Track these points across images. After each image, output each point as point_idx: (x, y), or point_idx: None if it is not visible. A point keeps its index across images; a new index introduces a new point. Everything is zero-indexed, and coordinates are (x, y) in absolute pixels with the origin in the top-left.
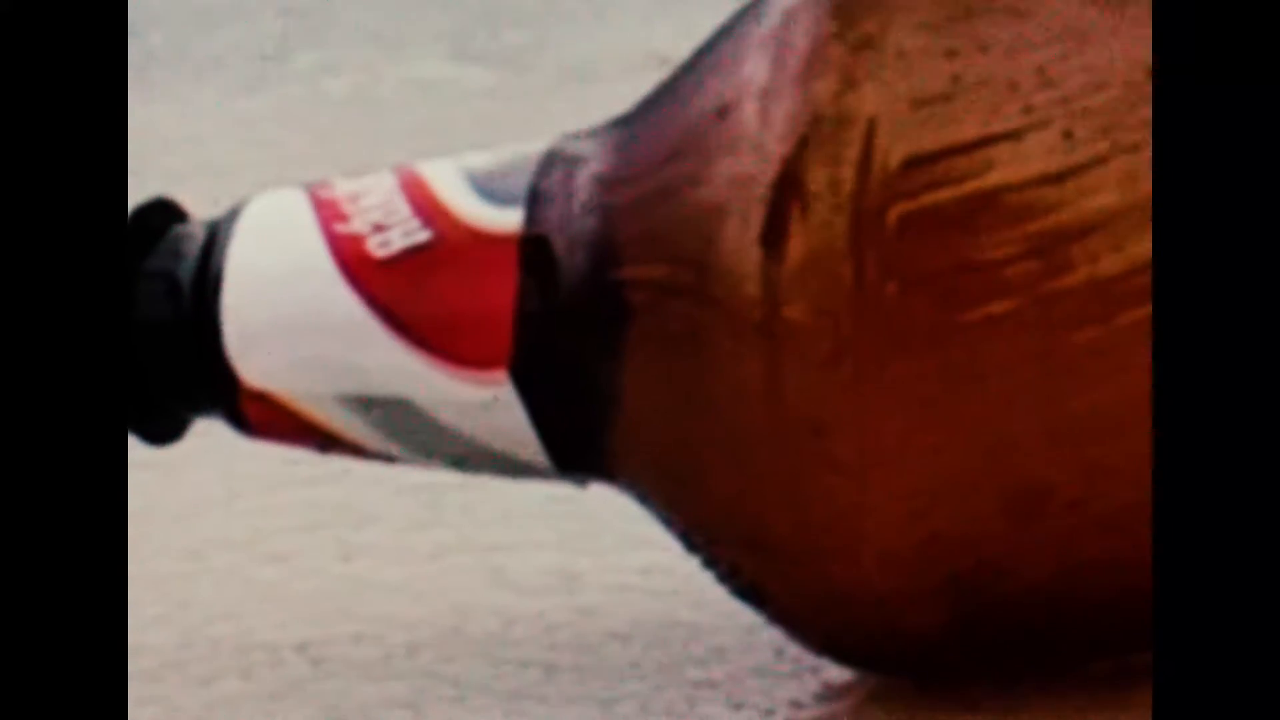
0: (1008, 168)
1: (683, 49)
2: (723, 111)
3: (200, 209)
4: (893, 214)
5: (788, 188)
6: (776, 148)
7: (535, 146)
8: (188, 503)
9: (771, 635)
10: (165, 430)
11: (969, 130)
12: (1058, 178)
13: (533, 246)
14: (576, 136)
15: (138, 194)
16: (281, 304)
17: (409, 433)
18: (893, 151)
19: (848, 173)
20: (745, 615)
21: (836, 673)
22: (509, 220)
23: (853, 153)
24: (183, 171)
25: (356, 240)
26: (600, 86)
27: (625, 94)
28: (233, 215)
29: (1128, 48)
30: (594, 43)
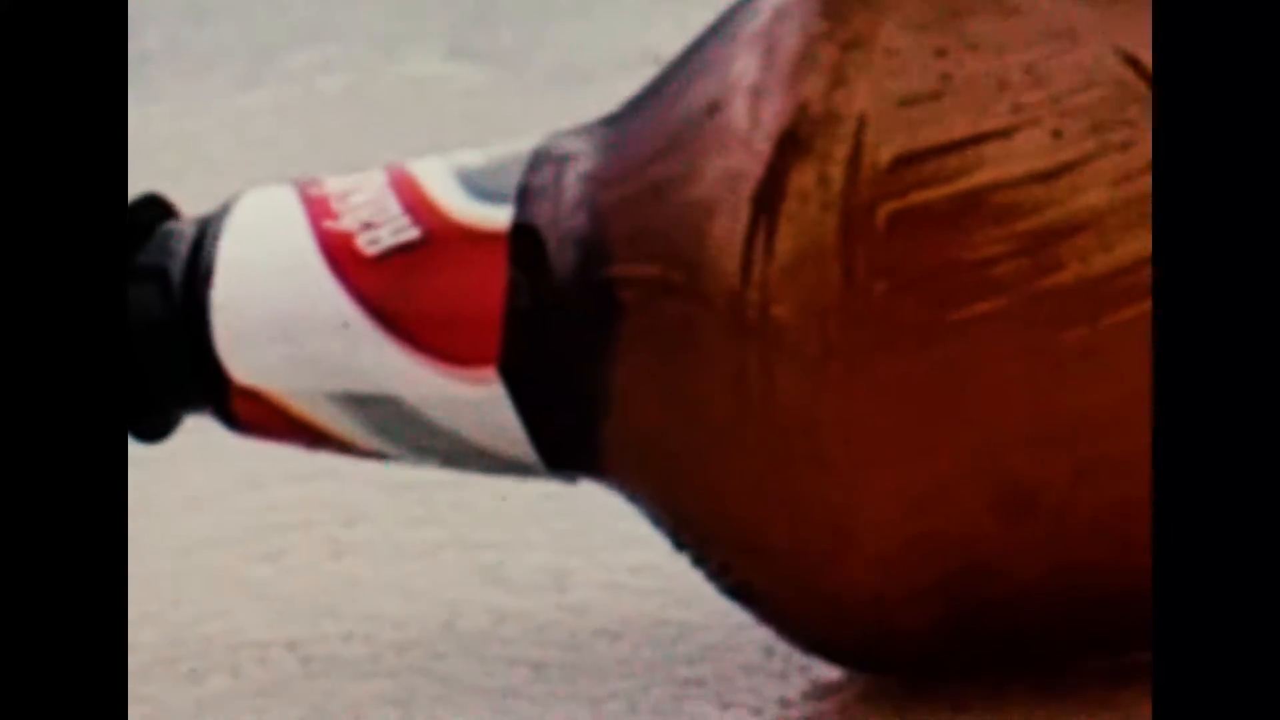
0: (997, 166)
1: (675, 46)
2: (713, 109)
3: (195, 206)
4: (882, 212)
5: (777, 186)
6: (766, 146)
7: (525, 144)
8: (178, 500)
9: (761, 634)
10: (156, 427)
11: (958, 129)
12: (1047, 176)
13: (522, 243)
14: (566, 134)
15: (132, 190)
16: (271, 301)
17: (399, 430)
18: (882, 150)
19: (837, 171)
20: (735, 614)
21: (825, 672)
22: (499, 218)
23: (842, 151)
24: (177, 169)
25: (346, 237)
26: (595, 85)
27: (620, 92)
28: (222, 212)
29: (1117, 45)
30: (588, 41)
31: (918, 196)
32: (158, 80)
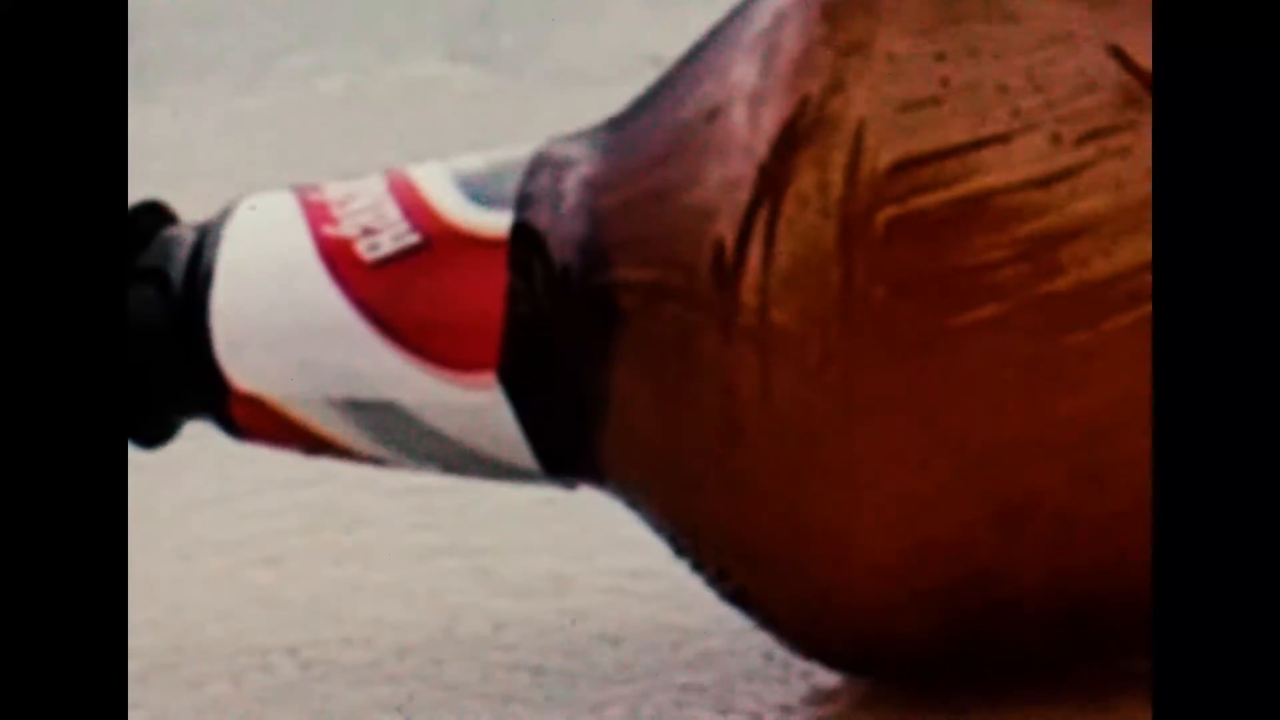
0: (996, 171)
1: (676, 50)
2: (713, 115)
3: (194, 208)
4: (881, 218)
5: (776, 191)
6: (765, 151)
7: (525, 149)
8: (178, 505)
9: (761, 640)
10: (156, 433)
11: (957, 134)
12: (1046, 181)
13: (522, 249)
14: (566, 139)
15: (132, 195)
16: (271, 307)
17: (398, 436)
18: (881, 155)
19: (836, 176)
20: (734, 619)
21: (826, 677)
22: (499, 223)
23: (841, 156)
24: (177, 171)
25: (345, 243)
26: (594, 88)
27: (620, 95)
28: (222, 218)
29: (1116, 50)
30: (589, 44)
31: (917, 202)
32: (158, 83)
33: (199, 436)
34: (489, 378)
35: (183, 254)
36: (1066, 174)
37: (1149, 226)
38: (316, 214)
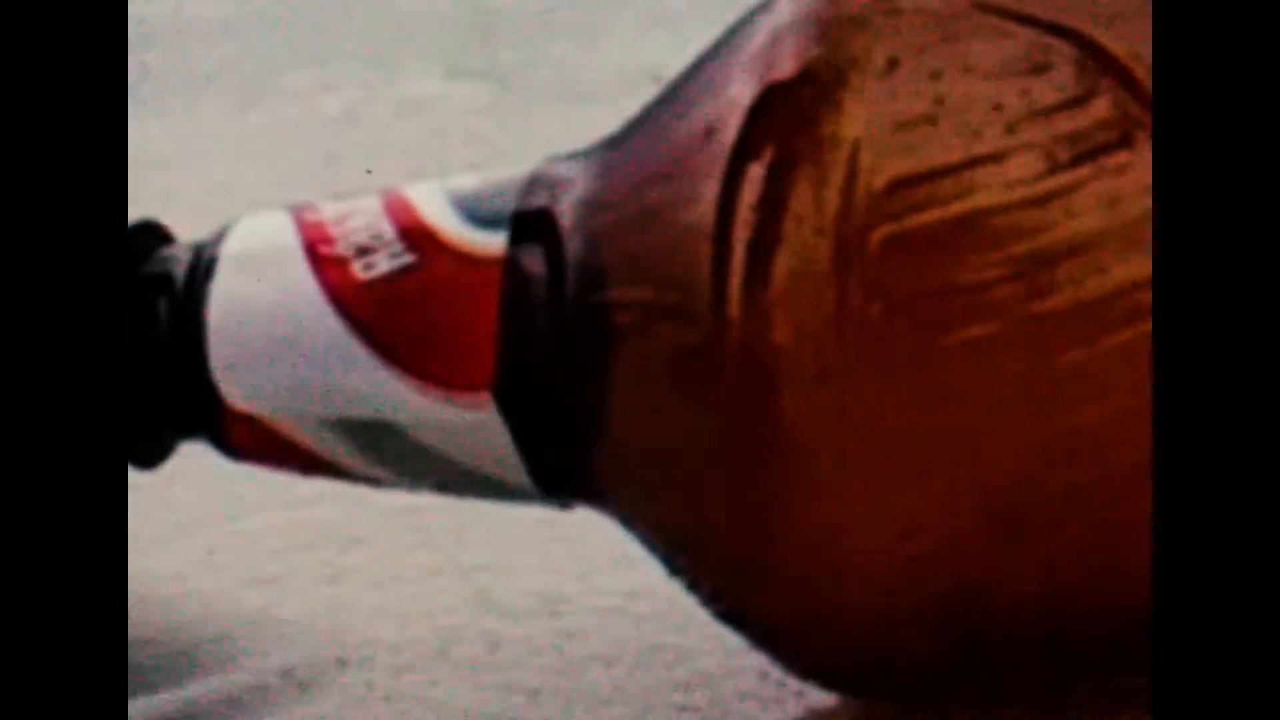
0: (991, 190)
1: (676, 67)
2: (710, 132)
3: (193, 225)
4: (876, 236)
5: (772, 210)
6: (761, 169)
7: (521, 169)
8: (173, 525)
9: (756, 659)
10: (151, 453)
11: (953, 152)
12: (1041, 200)
13: (517, 268)
14: (562, 159)
15: (131, 212)
16: (266, 326)
17: (393, 456)
18: (877, 174)
19: (832, 195)
20: (730, 639)
21: (821, 697)
22: (494, 243)
23: (837, 175)
24: (177, 190)
25: (341, 262)
26: (595, 104)
27: (620, 111)
28: (218, 237)
29: (1113, 68)
30: (588, 60)
31: (912, 220)
32: (157, 101)
33: (194, 456)
34: (484, 397)
35: (179, 273)
36: (1061, 193)
37: (1144, 244)
38: (312, 233)
